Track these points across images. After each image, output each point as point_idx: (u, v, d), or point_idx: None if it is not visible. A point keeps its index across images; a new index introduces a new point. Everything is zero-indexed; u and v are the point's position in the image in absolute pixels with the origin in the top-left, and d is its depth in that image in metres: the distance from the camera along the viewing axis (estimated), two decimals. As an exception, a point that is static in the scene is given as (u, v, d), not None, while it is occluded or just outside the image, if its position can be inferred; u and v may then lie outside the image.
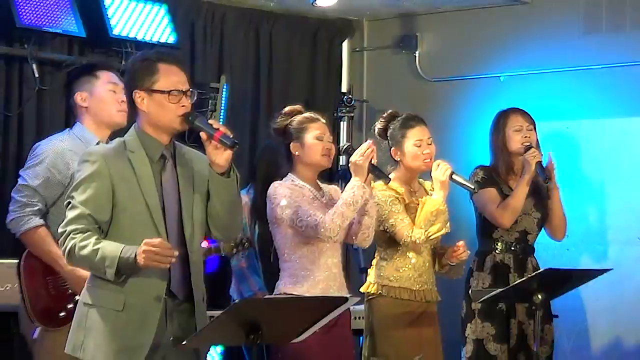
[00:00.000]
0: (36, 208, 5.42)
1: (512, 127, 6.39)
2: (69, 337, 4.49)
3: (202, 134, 4.37)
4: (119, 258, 4.23)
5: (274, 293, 5.37)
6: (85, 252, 4.27)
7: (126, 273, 4.28)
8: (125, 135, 4.55)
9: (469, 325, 6.32)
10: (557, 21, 7.59)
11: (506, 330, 6.25)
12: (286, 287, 5.28)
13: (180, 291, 4.46)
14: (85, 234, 4.31)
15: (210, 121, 4.42)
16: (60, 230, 4.39)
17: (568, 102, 7.43)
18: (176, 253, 4.25)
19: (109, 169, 4.37)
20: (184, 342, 4.27)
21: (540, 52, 7.63)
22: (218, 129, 4.36)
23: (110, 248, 4.27)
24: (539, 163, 6.29)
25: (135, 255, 4.20)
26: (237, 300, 4.65)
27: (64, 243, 4.34)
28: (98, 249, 4.26)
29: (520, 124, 6.39)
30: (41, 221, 5.42)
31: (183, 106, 4.43)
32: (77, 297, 5.23)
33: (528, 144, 6.33)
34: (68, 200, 4.40)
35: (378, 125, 5.96)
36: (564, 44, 7.53)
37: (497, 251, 6.38)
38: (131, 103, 4.48)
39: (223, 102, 7.46)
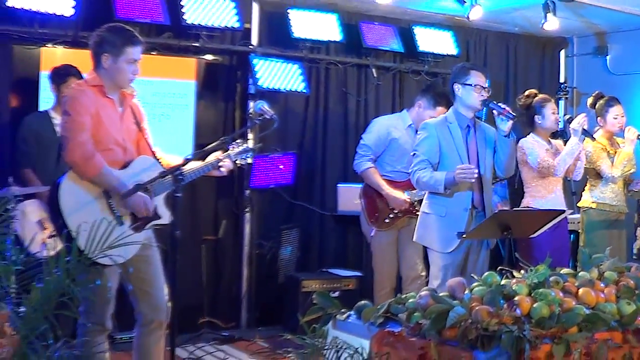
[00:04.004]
0: (369, 158, 5.61)
1: None
2: (416, 232, 4.72)
3: (494, 112, 4.49)
4: (445, 179, 4.43)
5: (520, 206, 5.30)
6: (425, 179, 4.51)
7: (449, 188, 4.47)
8: (447, 113, 4.70)
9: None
10: None
11: None
12: (528, 203, 5.22)
13: (479, 205, 4.58)
14: (424, 169, 4.53)
15: (499, 104, 4.50)
16: (409, 170, 4.65)
17: None
18: (477, 170, 4.42)
19: (437, 133, 4.56)
20: (464, 235, 4.40)
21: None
22: (504, 108, 4.46)
23: (439, 174, 4.48)
24: None
25: (454, 176, 4.40)
26: (496, 211, 4.61)
27: (413, 176, 4.58)
28: (432, 176, 4.49)
29: None
30: (372, 165, 5.60)
31: (482, 95, 4.56)
32: (395, 210, 5.48)
33: None
34: (414, 152, 4.64)
35: (589, 100, 5.74)
36: None
37: None
38: (452, 92, 4.64)
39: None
